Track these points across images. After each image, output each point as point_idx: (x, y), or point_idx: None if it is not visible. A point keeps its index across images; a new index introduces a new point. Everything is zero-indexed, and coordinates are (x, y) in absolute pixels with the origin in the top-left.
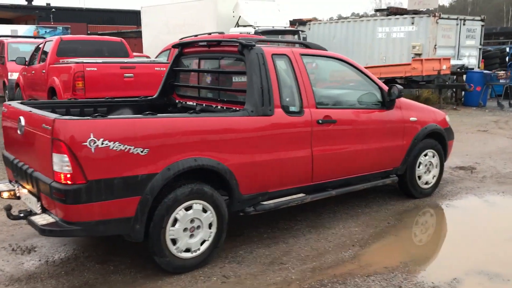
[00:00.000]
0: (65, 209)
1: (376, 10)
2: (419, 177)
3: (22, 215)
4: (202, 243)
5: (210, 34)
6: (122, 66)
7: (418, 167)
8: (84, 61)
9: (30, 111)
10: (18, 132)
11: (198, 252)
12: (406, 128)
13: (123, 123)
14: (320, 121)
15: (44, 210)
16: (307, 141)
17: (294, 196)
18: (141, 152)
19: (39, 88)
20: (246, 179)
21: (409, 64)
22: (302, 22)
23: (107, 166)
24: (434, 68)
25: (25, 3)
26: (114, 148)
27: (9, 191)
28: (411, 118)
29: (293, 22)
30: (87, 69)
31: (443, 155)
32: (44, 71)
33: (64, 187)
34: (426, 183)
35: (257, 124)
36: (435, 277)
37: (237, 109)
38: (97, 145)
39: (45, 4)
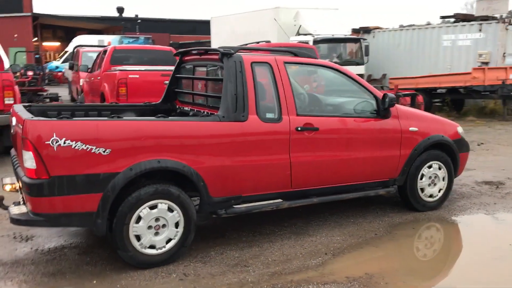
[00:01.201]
0: (31, 201)
1: (442, 17)
2: (422, 190)
3: (13, 205)
4: (168, 241)
5: (258, 43)
6: (163, 74)
7: (421, 179)
8: (127, 68)
9: (18, 113)
10: (12, 131)
11: (164, 250)
12: (404, 138)
13: (85, 125)
14: (299, 128)
15: (24, 203)
16: (284, 148)
17: (269, 201)
18: (103, 152)
19: (96, 93)
20: (216, 183)
21: (469, 73)
22: (367, 30)
23: (69, 163)
24: (499, 77)
25: (117, 14)
26: (76, 148)
27: (11, 184)
28: (411, 128)
29: (357, 30)
30: (130, 76)
31: (452, 168)
32: (99, 77)
33: (30, 181)
34: (431, 196)
35: (228, 130)
36: None
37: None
38: (60, 144)
39: (133, 16)
